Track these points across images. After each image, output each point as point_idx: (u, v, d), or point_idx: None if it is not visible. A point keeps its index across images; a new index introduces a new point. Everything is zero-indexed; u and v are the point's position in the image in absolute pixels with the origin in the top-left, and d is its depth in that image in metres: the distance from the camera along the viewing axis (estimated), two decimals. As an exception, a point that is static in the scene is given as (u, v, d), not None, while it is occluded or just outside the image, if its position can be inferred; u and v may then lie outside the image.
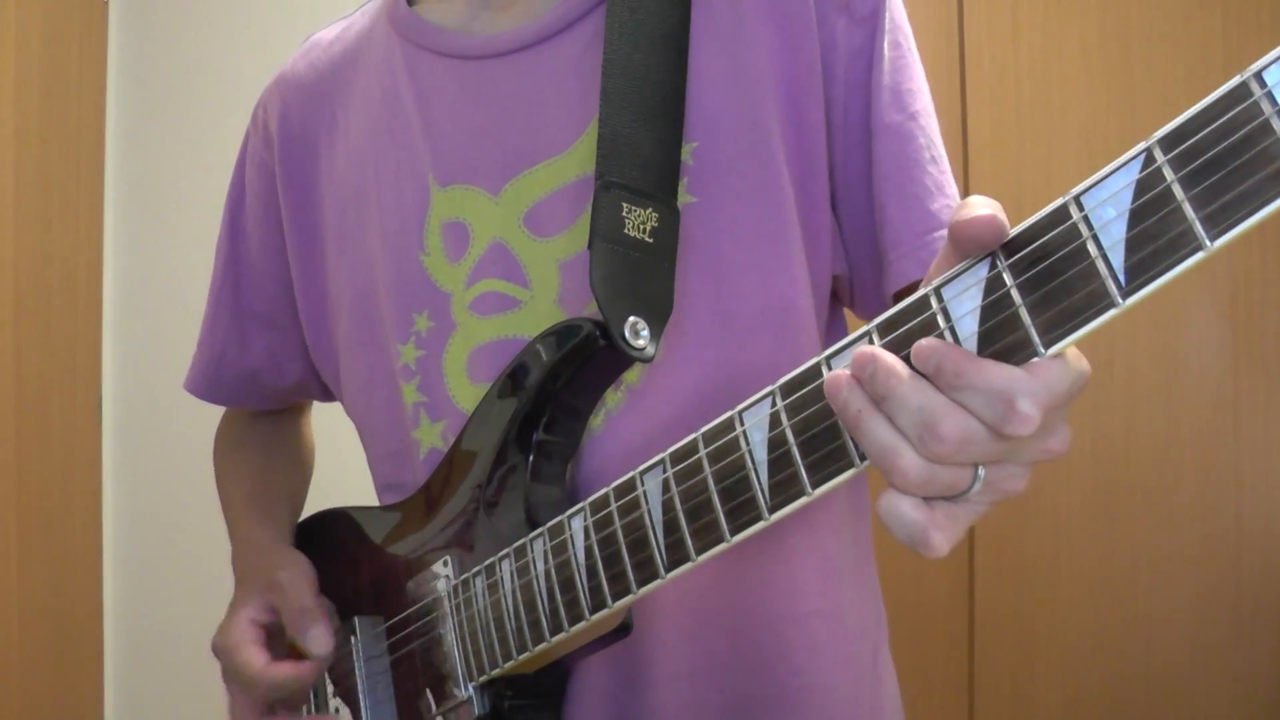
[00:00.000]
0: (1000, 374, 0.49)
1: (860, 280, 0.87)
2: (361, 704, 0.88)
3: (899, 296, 0.82)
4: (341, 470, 1.23)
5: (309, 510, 1.07)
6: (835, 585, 0.87)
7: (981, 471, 0.52)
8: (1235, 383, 2.03)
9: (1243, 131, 0.42)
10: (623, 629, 0.75)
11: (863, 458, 0.55)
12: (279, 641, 0.91)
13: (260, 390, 1.11)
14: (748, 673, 0.84)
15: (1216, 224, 0.43)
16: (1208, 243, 0.43)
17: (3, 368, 2.07)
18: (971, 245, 0.51)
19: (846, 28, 0.83)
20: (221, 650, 0.89)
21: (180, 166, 2.38)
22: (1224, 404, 2.03)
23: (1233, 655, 2.01)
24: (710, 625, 0.83)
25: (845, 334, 0.92)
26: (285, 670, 0.87)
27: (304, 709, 0.95)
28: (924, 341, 0.51)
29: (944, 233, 0.79)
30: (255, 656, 0.87)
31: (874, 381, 0.52)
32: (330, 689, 0.93)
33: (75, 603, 2.27)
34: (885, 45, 0.83)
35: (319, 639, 0.86)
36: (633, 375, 0.82)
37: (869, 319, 0.56)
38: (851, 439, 0.56)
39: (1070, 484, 2.07)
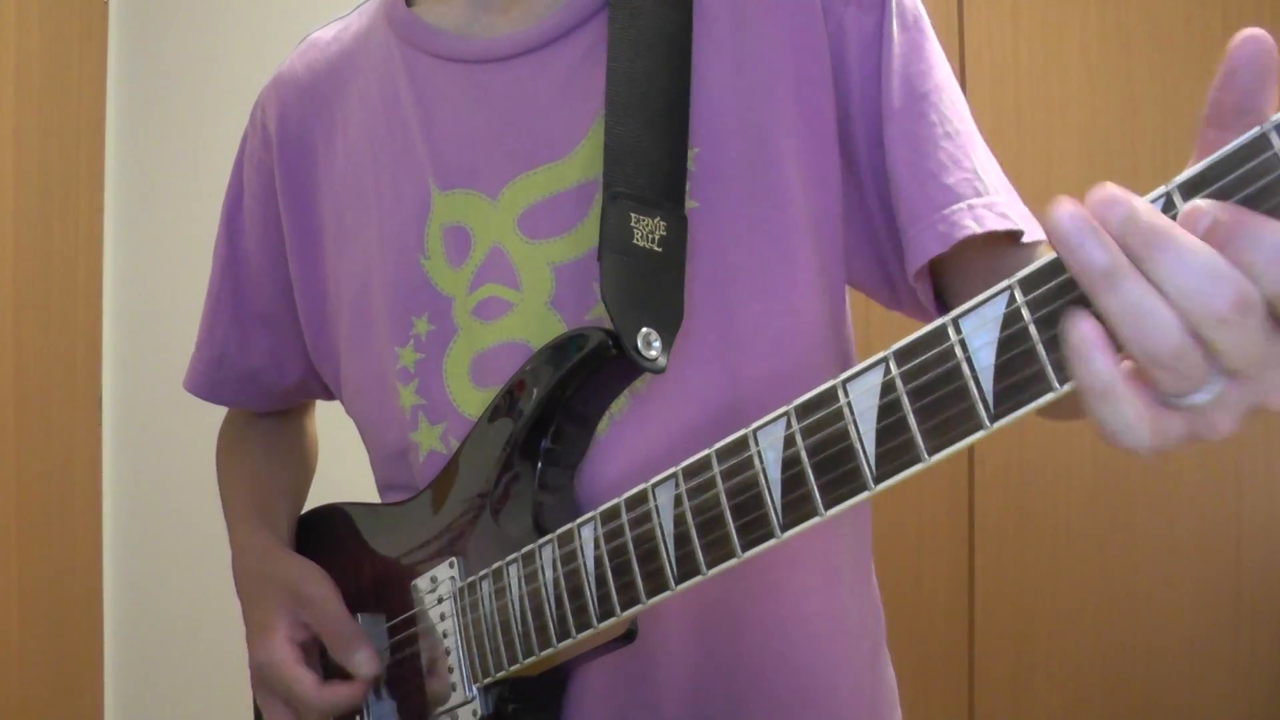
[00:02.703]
0: None
1: (900, 274, 0.84)
2: (364, 701, 0.88)
3: (922, 281, 0.80)
4: (344, 468, 1.23)
5: (311, 506, 1.07)
6: (836, 586, 0.87)
7: (1218, 380, 0.46)
8: (1235, 383, 2.03)
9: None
10: (628, 635, 0.75)
11: (877, 480, 0.55)
12: (313, 656, 0.91)
13: (262, 390, 1.10)
14: (750, 672, 0.84)
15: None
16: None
17: (3, 368, 2.07)
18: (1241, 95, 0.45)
19: (855, 16, 0.82)
20: (265, 667, 0.89)
21: (180, 166, 2.38)
22: (1224, 404, 2.03)
23: (1233, 654, 2.01)
24: (713, 626, 0.83)
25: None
26: (341, 694, 0.86)
27: None
28: (1199, 200, 0.44)
29: (962, 204, 0.77)
30: (306, 677, 0.87)
31: (1135, 224, 0.44)
32: None
33: (75, 602, 2.27)
34: (894, 29, 0.81)
35: (367, 662, 0.86)
36: (637, 381, 0.82)
37: (917, 317, 0.55)
38: (860, 443, 0.55)
39: (1070, 483, 2.08)
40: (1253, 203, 0.43)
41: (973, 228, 0.75)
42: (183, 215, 2.36)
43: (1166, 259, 0.43)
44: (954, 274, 0.79)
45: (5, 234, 2.09)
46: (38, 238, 2.17)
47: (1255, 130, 0.43)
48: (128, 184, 2.41)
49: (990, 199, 0.77)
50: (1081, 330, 0.46)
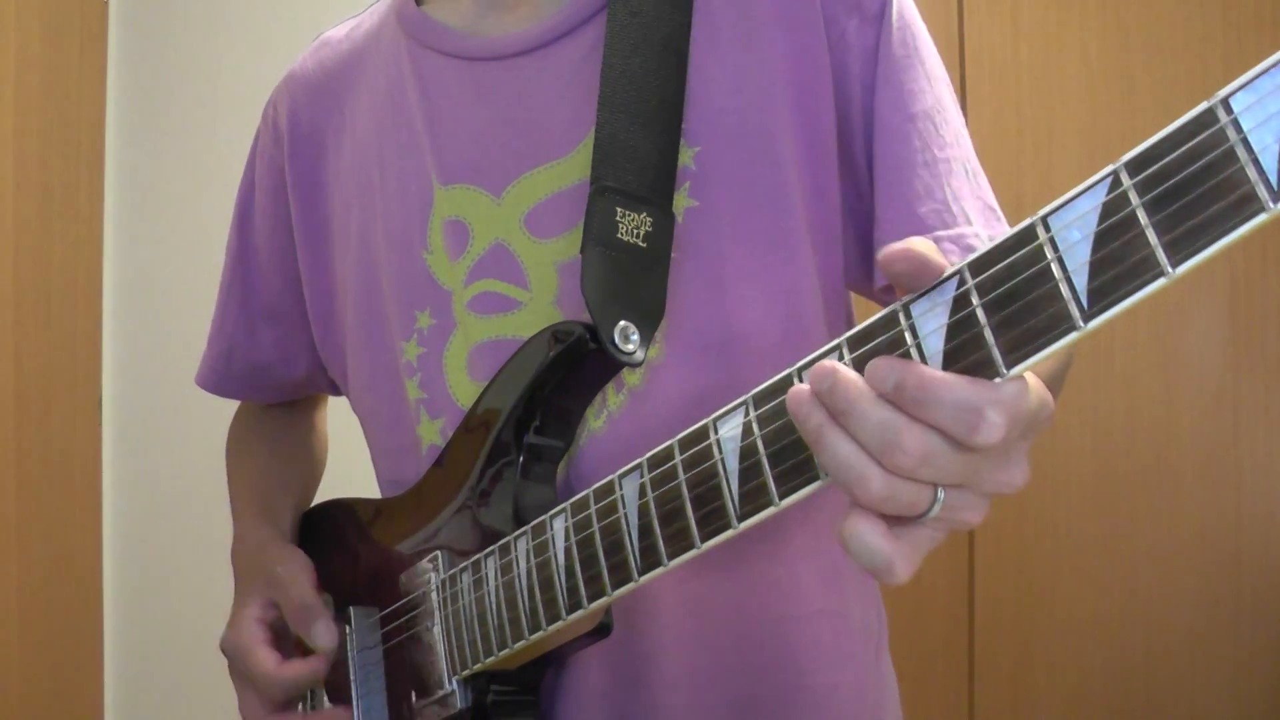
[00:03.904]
0: (966, 386, 0.49)
1: None
2: (353, 694, 0.89)
3: (886, 292, 0.83)
4: (348, 464, 1.24)
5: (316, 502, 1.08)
6: (838, 586, 0.87)
7: (941, 494, 0.52)
8: (1235, 383, 2.03)
9: (1207, 158, 0.42)
10: (602, 629, 0.75)
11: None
12: (286, 637, 0.91)
13: (270, 383, 1.12)
14: (750, 672, 0.84)
15: (1178, 251, 0.43)
16: (1169, 269, 0.43)
17: (3, 368, 2.07)
18: (897, 280, 0.52)
19: (858, 27, 0.83)
20: (231, 651, 0.90)
21: (180, 166, 2.39)
22: (1224, 404, 2.03)
23: (1233, 654, 2.01)
24: (712, 625, 0.83)
25: None
26: (298, 670, 0.87)
27: (300, 705, 0.95)
28: (879, 360, 0.51)
29: (926, 238, 0.79)
30: (266, 657, 0.88)
31: (833, 396, 0.52)
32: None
33: (75, 603, 2.27)
34: (893, 44, 0.82)
35: (322, 634, 0.87)
36: (635, 378, 0.82)
37: None
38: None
39: (1070, 482, 2.07)
40: (1199, 179, 0.43)
41: None
42: (183, 215, 2.36)
43: (853, 424, 0.51)
44: None
45: (5, 234, 2.09)
46: (38, 238, 2.18)
47: (1202, 105, 0.43)
48: (128, 184, 2.42)
49: (959, 231, 0.79)
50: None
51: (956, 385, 0.49)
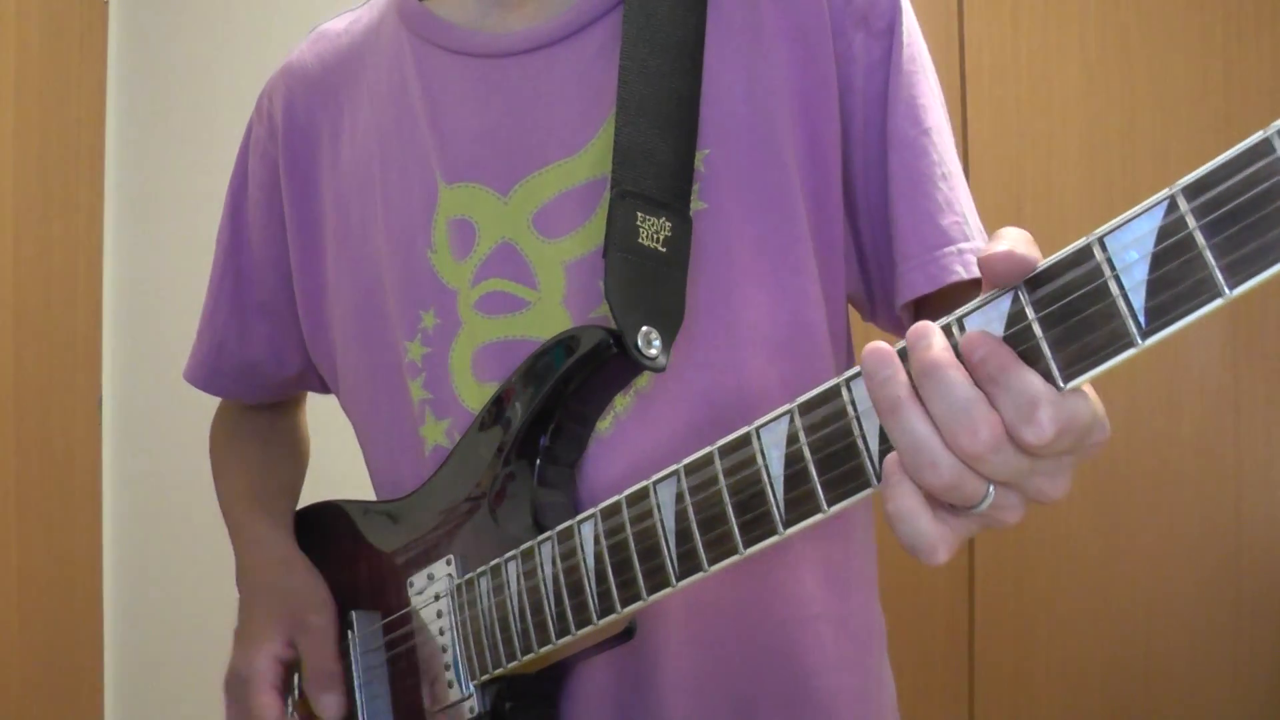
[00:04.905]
0: (1035, 380, 0.50)
1: (881, 293, 0.88)
2: (357, 698, 0.89)
3: (907, 309, 0.83)
4: (337, 465, 1.23)
5: (303, 504, 1.07)
6: (841, 589, 0.87)
7: (992, 490, 0.52)
8: (1235, 383, 2.03)
9: (1264, 185, 0.44)
10: (626, 633, 0.76)
11: (880, 476, 0.56)
12: (291, 673, 0.91)
13: (260, 381, 1.10)
14: (754, 674, 0.84)
15: (1236, 273, 0.45)
16: (1226, 290, 0.45)
17: (3, 368, 2.07)
18: (998, 279, 0.52)
19: (864, 42, 0.83)
20: (239, 681, 0.90)
21: (180, 166, 2.38)
22: (1224, 404, 2.03)
23: (1233, 654, 2.01)
24: (716, 627, 0.83)
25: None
26: None
27: (288, 700, 0.95)
28: (977, 333, 0.52)
29: (952, 249, 0.80)
30: (271, 703, 0.88)
31: (923, 353, 0.52)
32: None
33: (75, 602, 2.27)
34: (902, 59, 0.83)
35: (332, 706, 0.87)
36: (642, 380, 0.82)
37: (891, 332, 0.57)
38: (863, 440, 0.56)
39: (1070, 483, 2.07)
40: (1255, 206, 0.44)
41: (960, 273, 0.80)
42: (183, 215, 2.36)
43: (936, 394, 0.51)
44: (936, 304, 0.82)
45: (5, 234, 2.08)
46: (38, 238, 2.17)
47: (1258, 135, 0.44)
48: (128, 184, 2.41)
49: (976, 244, 0.81)
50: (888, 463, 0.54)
51: (1031, 377, 0.50)
